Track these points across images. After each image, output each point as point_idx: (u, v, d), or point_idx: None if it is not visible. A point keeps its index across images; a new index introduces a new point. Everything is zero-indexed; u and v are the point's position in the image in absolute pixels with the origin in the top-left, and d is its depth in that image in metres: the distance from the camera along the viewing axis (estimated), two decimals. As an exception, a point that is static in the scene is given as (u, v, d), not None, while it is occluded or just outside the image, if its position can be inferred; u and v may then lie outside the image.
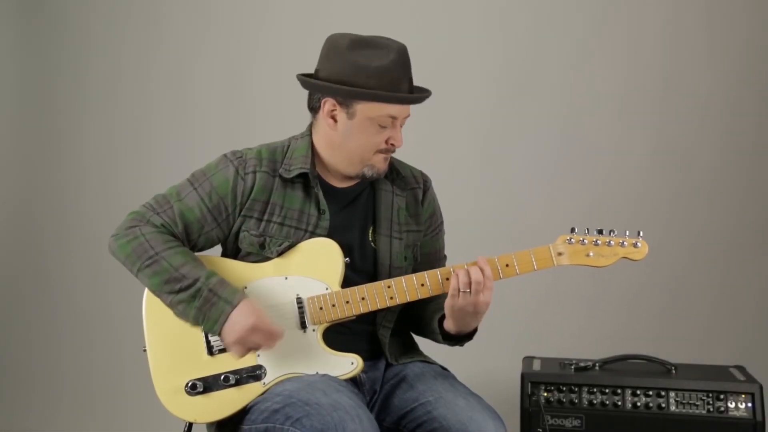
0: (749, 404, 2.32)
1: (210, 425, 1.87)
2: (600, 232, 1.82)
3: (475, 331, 1.87)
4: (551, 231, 3.28)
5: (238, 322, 1.75)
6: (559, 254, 1.82)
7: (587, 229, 1.82)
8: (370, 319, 1.91)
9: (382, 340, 1.93)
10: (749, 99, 3.17)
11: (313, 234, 1.87)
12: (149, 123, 3.60)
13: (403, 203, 1.98)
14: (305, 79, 1.89)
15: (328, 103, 1.85)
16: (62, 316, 3.60)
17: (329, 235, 1.87)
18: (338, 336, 1.86)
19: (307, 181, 1.89)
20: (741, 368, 2.53)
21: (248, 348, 1.77)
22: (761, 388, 2.34)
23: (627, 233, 1.82)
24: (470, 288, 1.75)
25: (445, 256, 2.09)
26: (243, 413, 1.80)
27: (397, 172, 2.00)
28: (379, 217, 1.94)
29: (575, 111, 3.28)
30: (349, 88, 1.81)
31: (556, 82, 3.29)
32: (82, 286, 3.60)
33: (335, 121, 1.86)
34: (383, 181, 1.97)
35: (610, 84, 3.26)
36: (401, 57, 1.83)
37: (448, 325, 1.83)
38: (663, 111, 3.23)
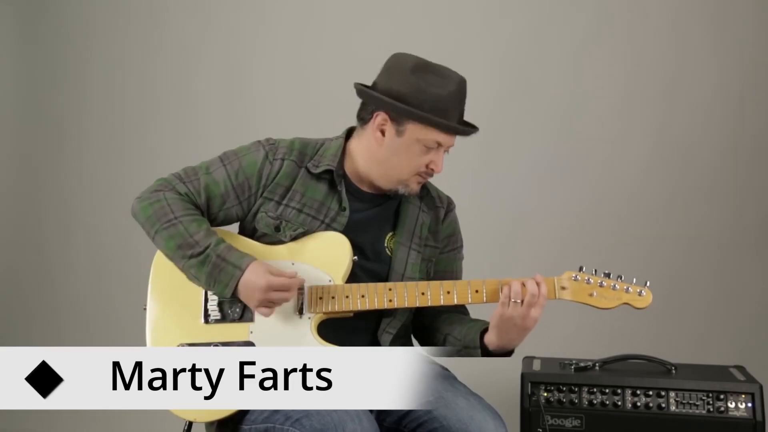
0: (749, 404, 2.31)
1: (210, 425, 1.87)
2: (607, 275, 1.84)
3: (512, 351, 1.86)
4: (550, 230, 3.29)
5: (252, 284, 1.78)
6: (563, 288, 1.83)
7: (595, 270, 1.84)
8: (374, 320, 1.93)
9: (383, 344, 1.93)
10: (748, 102, 3.17)
11: (329, 227, 1.90)
12: (151, 120, 3.61)
13: (427, 220, 2.01)
14: (364, 89, 1.91)
15: (380, 117, 1.88)
16: (63, 313, 3.61)
17: (345, 232, 1.89)
18: (337, 331, 1.87)
19: (333, 179, 1.92)
20: (741, 368, 2.53)
21: (272, 307, 1.81)
22: (761, 388, 2.34)
23: (634, 280, 1.84)
24: (523, 299, 1.76)
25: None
26: (243, 413, 1.80)
27: (426, 191, 2.03)
28: (402, 226, 1.97)
29: (575, 111, 3.28)
30: (405, 106, 1.83)
31: (555, 82, 3.29)
32: (83, 283, 3.62)
33: (383, 135, 1.88)
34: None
35: (610, 85, 3.26)
36: (460, 90, 1.87)
37: (491, 337, 1.82)
38: (663, 112, 3.23)
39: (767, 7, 3.14)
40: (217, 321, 1.87)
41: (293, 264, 1.87)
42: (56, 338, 3.55)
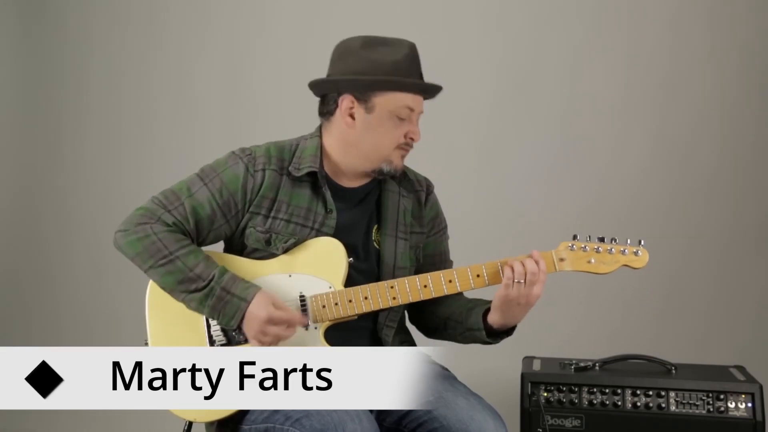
0: (749, 404, 2.32)
1: (210, 425, 1.87)
2: (601, 239, 1.85)
3: (514, 327, 1.89)
4: (549, 230, 3.28)
5: (253, 317, 1.77)
6: (561, 260, 1.84)
7: (589, 237, 1.85)
8: (372, 318, 1.92)
9: (385, 339, 1.93)
10: (748, 101, 3.17)
11: (319, 232, 1.88)
12: (151, 120, 3.61)
13: (409, 205, 2.00)
14: (321, 80, 1.90)
15: (345, 101, 1.86)
16: (63, 313, 3.61)
17: (335, 234, 1.88)
18: (338, 333, 1.86)
19: (316, 180, 1.90)
20: (741, 368, 2.53)
21: (268, 341, 1.78)
22: (761, 388, 2.34)
23: (628, 241, 1.85)
24: (525, 279, 1.77)
25: (451, 261, 2.09)
26: (243, 413, 1.80)
27: (404, 175, 2.01)
28: (384, 217, 1.96)
29: (575, 111, 3.28)
30: (370, 77, 1.83)
31: (555, 82, 3.29)
32: (83, 283, 3.61)
33: (353, 118, 1.87)
34: (390, 182, 1.98)
35: (610, 85, 3.26)
36: (412, 52, 1.87)
37: (494, 317, 1.84)
38: (662, 112, 3.24)
39: (765, 7, 3.14)
40: (222, 346, 1.85)
41: (290, 276, 1.86)
42: (56, 338, 3.54)
